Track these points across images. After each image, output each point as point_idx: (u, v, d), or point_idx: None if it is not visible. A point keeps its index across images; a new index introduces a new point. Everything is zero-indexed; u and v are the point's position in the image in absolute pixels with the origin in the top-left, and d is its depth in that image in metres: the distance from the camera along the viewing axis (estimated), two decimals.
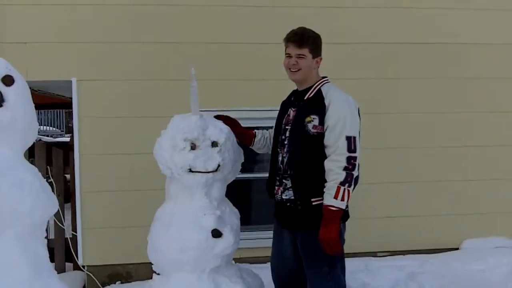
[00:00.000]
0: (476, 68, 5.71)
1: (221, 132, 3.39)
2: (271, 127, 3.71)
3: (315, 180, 3.25)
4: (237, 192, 4.72)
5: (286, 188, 3.40)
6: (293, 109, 3.45)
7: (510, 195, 5.80)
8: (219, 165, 3.33)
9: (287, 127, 3.43)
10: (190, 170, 3.29)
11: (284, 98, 3.68)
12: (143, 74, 5.17)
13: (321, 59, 3.41)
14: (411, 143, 5.60)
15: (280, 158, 3.45)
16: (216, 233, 3.26)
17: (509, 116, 5.77)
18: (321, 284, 3.34)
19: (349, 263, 5.03)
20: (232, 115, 3.85)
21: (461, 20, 5.66)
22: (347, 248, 5.22)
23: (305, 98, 3.38)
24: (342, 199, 3.14)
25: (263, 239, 4.98)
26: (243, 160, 3.66)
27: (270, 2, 5.32)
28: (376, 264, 5.17)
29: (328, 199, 3.15)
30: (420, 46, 5.61)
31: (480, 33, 5.70)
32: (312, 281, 3.37)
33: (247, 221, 4.79)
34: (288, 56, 3.38)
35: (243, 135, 3.65)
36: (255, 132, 3.75)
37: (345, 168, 3.14)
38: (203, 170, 3.30)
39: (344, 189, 3.13)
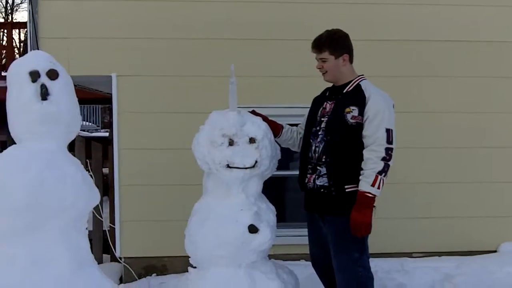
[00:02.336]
0: None
1: (258, 128, 3.42)
2: (297, 125, 3.87)
3: (350, 168, 3.40)
4: (273, 189, 4.74)
5: (320, 175, 3.50)
6: (330, 102, 3.58)
7: None
8: (256, 161, 3.36)
9: (323, 118, 3.56)
10: (228, 166, 3.33)
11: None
12: (182, 70, 5.21)
13: (347, 55, 3.54)
14: (449, 143, 5.52)
15: (312, 148, 3.56)
16: (253, 229, 3.28)
17: None
18: (352, 270, 3.42)
19: (385, 263, 5.06)
20: (270, 112, 3.86)
21: (494, 18, 5.55)
22: (382, 248, 5.24)
23: (344, 91, 3.52)
24: (378, 187, 3.30)
25: (297, 237, 4.98)
26: (280, 157, 3.67)
27: None
28: (412, 265, 5.11)
29: (365, 186, 3.30)
30: (460, 44, 5.52)
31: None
32: (342, 267, 3.44)
33: (282, 218, 4.78)
34: (316, 59, 3.61)
35: (271, 126, 3.68)
36: (283, 125, 3.84)
37: (383, 159, 3.30)
38: (240, 166, 3.33)
39: (381, 178, 3.30)
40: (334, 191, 3.42)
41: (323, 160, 3.48)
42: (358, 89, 3.46)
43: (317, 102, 3.71)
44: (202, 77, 5.21)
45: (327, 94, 3.67)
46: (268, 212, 3.53)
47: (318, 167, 3.51)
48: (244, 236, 3.29)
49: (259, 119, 3.53)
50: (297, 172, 3.76)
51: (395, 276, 4.87)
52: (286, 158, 4.53)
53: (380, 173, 3.27)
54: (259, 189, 3.57)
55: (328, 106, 3.57)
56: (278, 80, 5.28)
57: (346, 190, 3.39)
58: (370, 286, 3.48)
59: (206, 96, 5.09)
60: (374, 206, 3.40)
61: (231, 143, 3.33)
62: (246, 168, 3.35)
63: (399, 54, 5.43)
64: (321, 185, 3.49)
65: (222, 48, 5.21)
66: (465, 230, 5.56)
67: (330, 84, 3.68)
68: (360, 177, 3.32)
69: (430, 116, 5.49)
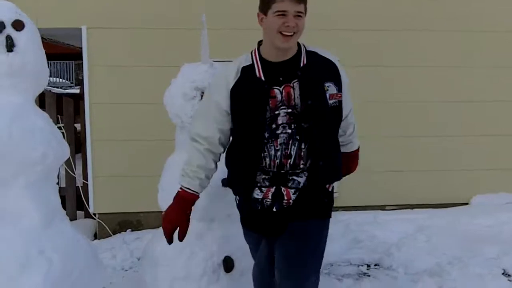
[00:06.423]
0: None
1: None
2: None
3: (333, 162, 2.65)
4: None
5: (299, 188, 2.58)
6: (282, 87, 2.53)
7: None
8: None
9: (278, 111, 2.51)
10: None
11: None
12: (154, 23, 5.12)
13: None
14: (421, 97, 5.55)
15: (271, 153, 2.54)
16: (226, 182, 3.26)
17: None
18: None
19: (358, 215, 5.13)
20: None
21: None
22: (356, 201, 5.31)
23: (302, 66, 2.56)
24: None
25: None
26: None
27: None
28: (384, 217, 5.19)
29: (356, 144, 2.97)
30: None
31: None
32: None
33: None
34: (281, 14, 2.45)
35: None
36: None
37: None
38: None
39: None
40: (311, 192, 2.60)
41: (301, 167, 2.54)
42: (318, 57, 2.58)
43: (253, 87, 2.55)
44: (174, 30, 5.13)
45: (267, 76, 2.55)
46: None
47: (293, 177, 2.57)
48: (218, 189, 3.27)
49: None
50: None
51: (368, 228, 4.94)
52: None
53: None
54: None
55: (284, 92, 2.52)
56: (253, 33, 5.17)
57: (328, 190, 2.68)
58: None
59: (178, 49, 5.02)
60: None
61: (203, 96, 3.28)
62: None
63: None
64: (295, 200, 2.59)
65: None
66: (438, 183, 5.66)
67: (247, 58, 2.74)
68: (351, 138, 2.88)
69: (406, 71, 5.49)
